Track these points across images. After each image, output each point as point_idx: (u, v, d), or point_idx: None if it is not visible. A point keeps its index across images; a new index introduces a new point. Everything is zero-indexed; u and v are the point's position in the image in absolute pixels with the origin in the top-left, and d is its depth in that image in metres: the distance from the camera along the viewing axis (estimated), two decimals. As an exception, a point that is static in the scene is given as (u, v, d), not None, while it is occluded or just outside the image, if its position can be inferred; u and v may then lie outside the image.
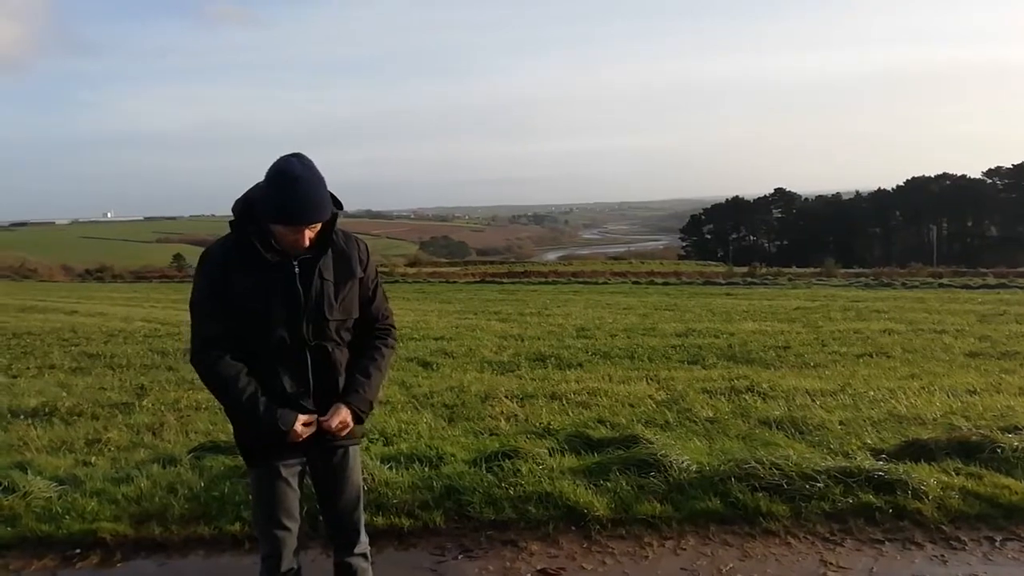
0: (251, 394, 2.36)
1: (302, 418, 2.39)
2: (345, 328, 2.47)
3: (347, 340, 2.49)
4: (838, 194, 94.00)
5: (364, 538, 2.66)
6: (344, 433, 2.46)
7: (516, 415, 5.80)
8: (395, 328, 2.64)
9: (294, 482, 2.52)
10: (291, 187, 2.25)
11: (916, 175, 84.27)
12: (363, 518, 2.67)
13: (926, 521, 3.69)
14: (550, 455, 4.48)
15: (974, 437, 4.55)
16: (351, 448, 2.57)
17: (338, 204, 2.41)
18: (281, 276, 2.35)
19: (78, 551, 3.59)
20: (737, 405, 6.02)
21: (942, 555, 3.44)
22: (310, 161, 2.31)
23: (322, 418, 2.42)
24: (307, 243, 2.33)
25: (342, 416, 2.42)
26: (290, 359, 2.39)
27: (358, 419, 2.47)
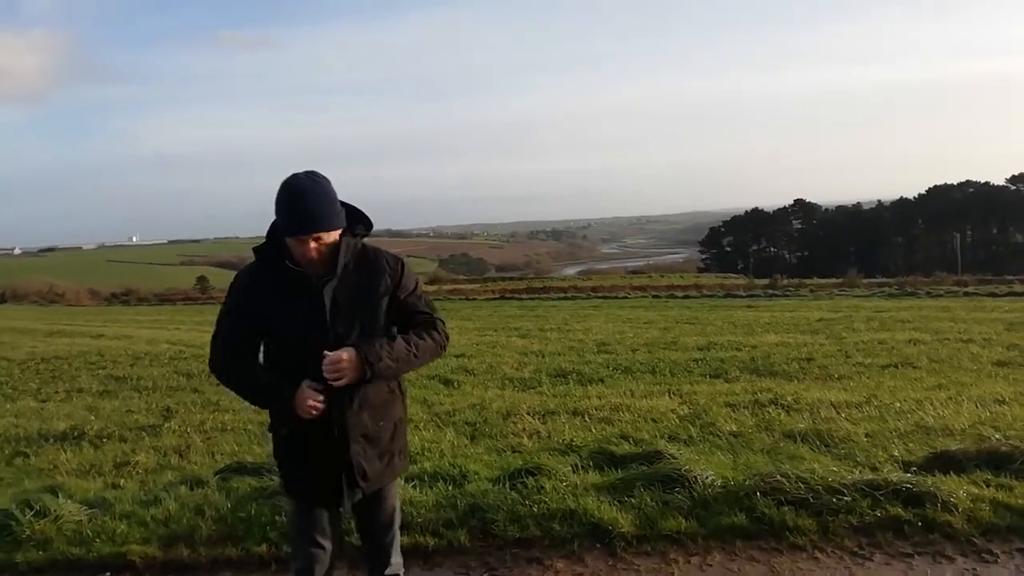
0: (258, 370, 2.40)
1: (307, 384, 2.33)
2: None
3: None
4: (859, 204, 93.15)
5: (396, 559, 2.66)
6: (336, 375, 2.31)
7: (538, 432, 5.79)
8: (443, 323, 2.60)
9: (334, 515, 2.57)
10: (294, 198, 2.29)
11: (938, 183, 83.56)
12: (398, 541, 2.68)
13: (956, 534, 3.63)
14: (574, 472, 4.46)
15: (1004, 448, 4.47)
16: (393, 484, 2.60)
17: (366, 223, 2.46)
18: (303, 296, 2.37)
19: (108, 574, 3.63)
20: (761, 418, 5.97)
21: (974, 568, 3.38)
22: (320, 176, 2.36)
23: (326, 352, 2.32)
24: (314, 255, 2.33)
25: (343, 355, 2.31)
26: (313, 377, 2.39)
27: (363, 369, 2.33)
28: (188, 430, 6.50)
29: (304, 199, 2.29)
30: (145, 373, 10.53)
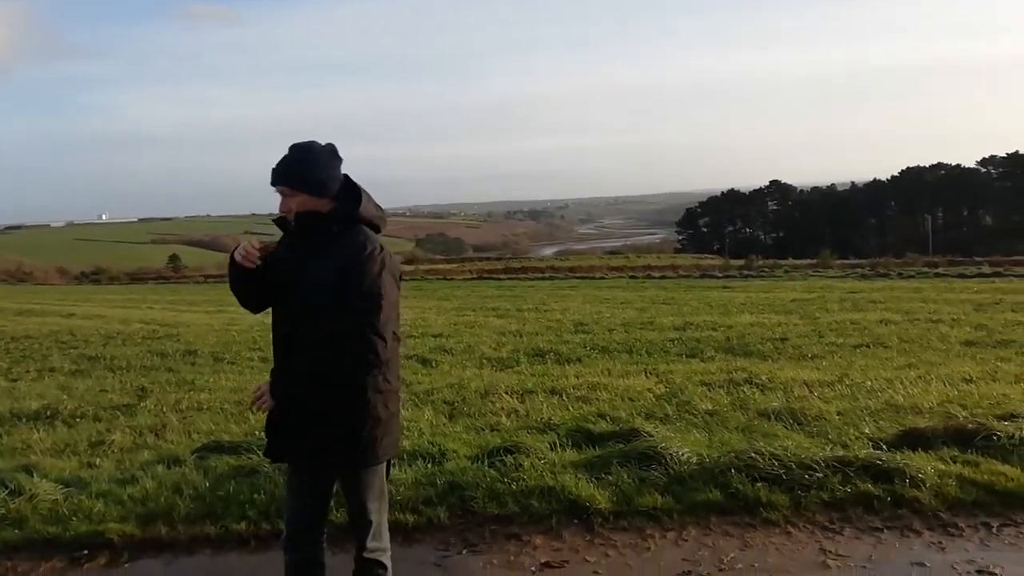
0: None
1: (246, 245, 2.48)
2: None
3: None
4: (833, 185, 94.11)
5: (375, 544, 2.60)
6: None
7: (517, 411, 5.84)
8: (373, 354, 2.34)
9: (317, 485, 2.59)
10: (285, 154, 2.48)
11: (911, 165, 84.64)
12: (383, 526, 2.63)
13: (924, 509, 3.74)
14: (551, 450, 4.52)
15: (970, 425, 4.60)
16: (369, 469, 2.56)
17: (351, 197, 2.47)
18: (288, 260, 2.48)
19: (85, 552, 3.62)
20: (736, 397, 6.07)
21: (940, 542, 3.49)
22: (320, 145, 2.48)
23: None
24: (285, 209, 2.47)
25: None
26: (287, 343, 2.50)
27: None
28: (164, 409, 6.45)
29: (285, 155, 2.46)
30: (118, 352, 10.41)
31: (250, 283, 2.54)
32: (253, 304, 2.63)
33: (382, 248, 2.47)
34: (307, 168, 2.42)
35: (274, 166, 2.46)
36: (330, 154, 2.48)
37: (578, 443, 4.70)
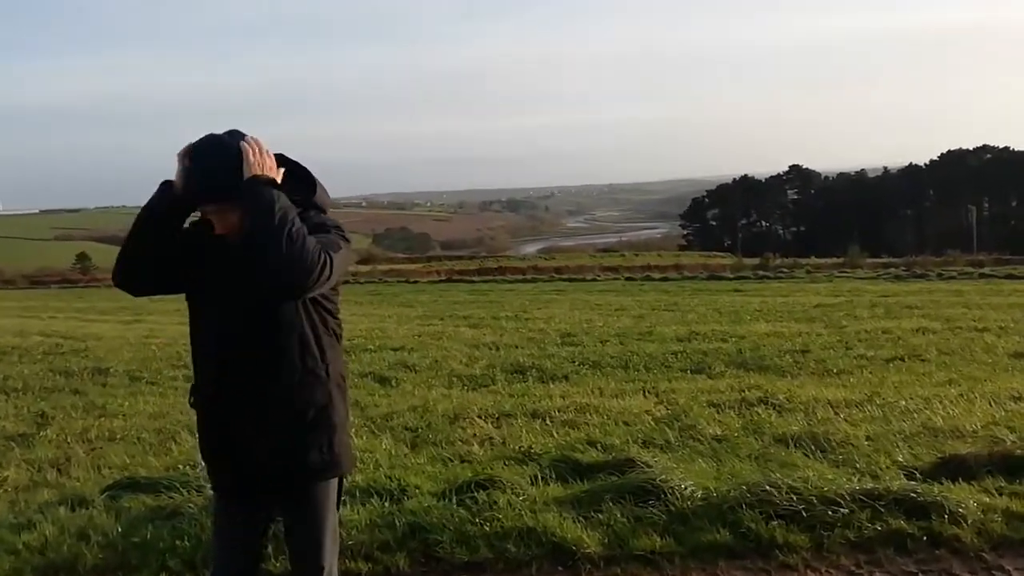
0: None
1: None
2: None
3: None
4: (863, 171, 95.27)
5: None
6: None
7: (491, 438, 5.84)
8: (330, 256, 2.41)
9: (253, 516, 2.61)
10: None
11: (952, 148, 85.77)
12: (335, 566, 2.67)
13: (965, 548, 3.79)
14: (532, 484, 4.53)
15: (1019, 451, 4.68)
16: (322, 484, 2.60)
17: (303, 183, 2.56)
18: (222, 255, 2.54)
19: (-29, 612, 3.56)
20: (749, 420, 6.12)
21: (984, 587, 3.54)
22: (236, 135, 2.47)
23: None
24: (226, 229, 2.47)
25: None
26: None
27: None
28: (68, 440, 6.38)
29: (202, 162, 2.42)
30: (13, 371, 10.25)
31: (169, 239, 2.47)
32: (149, 276, 2.53)
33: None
34: (235, 171, 2.39)
35: (192, 179, 2.39)
36: (242, 139, 2.45)
37: (563, 476, 4.70)
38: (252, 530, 2.63)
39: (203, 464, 2.63)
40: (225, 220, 2.43)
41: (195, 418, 2.63)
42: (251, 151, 2.39)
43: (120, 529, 4.11)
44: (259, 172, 2.37)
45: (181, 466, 5.16)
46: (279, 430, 2.49)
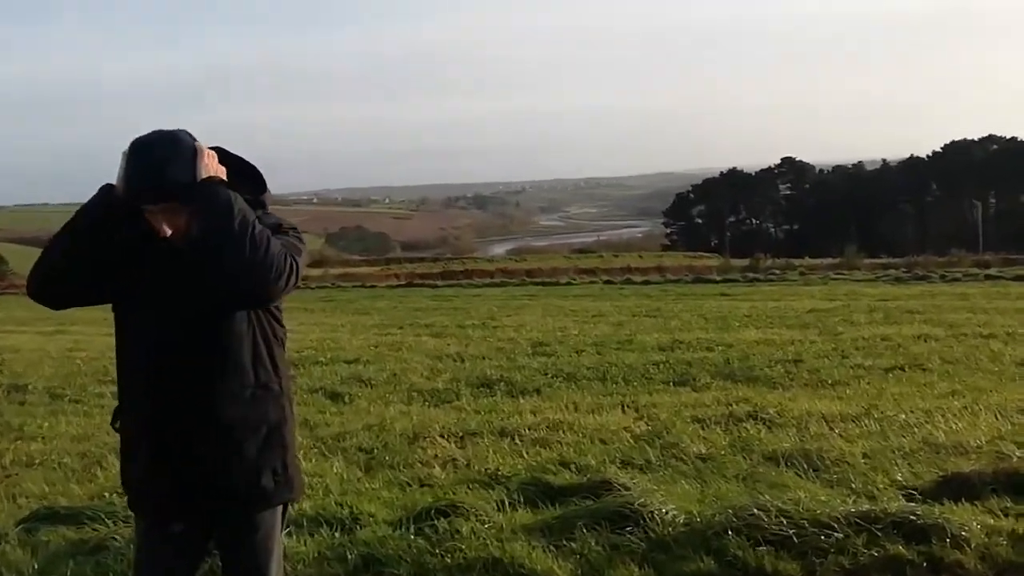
0: None
1: None
2: None
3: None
4: (860, 164, 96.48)
5: None
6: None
7: (454, 459, 5.84)
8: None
9: (188, 544, 2.57)
10: None
11: (956, 139, 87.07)
12: None
13: (968, 574, 3.84)
14: (499, 510, 4.53)
15: (1026, 468, 4.74)
16: (270, 511, 2.59)
17: (251, 181, 2.59)
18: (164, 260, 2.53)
19: None
20: (736, 437, 6.17)
21: (988, 617, 3.59)
22: (181, 133, 2.45)
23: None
24: (173, 230, 2.47)
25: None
26: None
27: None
28: (-22, 466, 6.27)
29: (149, 159, 2.41)
30: (-83, 389, 10.05)
31: (105, 244, 2.42)
32: (76, 286, 2.47)
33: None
34: (191, 168, 2.37)
35: (139, 175, 2.37)
36: (194, 141, 2.45)
37: (533, 500, 4.71)
38: (184, 564, 2.59)
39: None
40: (173, 221, 2.41)
41: (120, 442, 2.59)
42: (204, 151, 2.40)
43: (37, 566, 4.06)
44: (213, 173, 2.38)
45: (107, 494, 5.10)
46: (228, 451, 2.46)
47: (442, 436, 6.43)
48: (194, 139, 2.42)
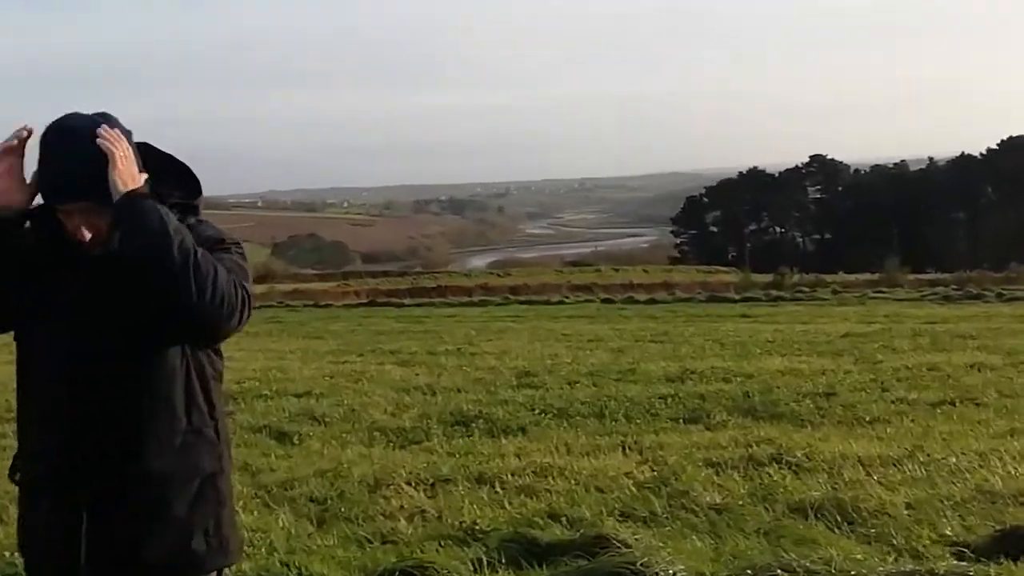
0: None
1: None
2: None
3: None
4: (903, 163, 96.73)
5: None
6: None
7: (423, 511, 5.82)
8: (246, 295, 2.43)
9: None
10: None
11: (1015, 134, 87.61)
12: None
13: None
14: (475, 571, 4.52)
15: (1097, 520, 4.76)
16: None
17: (183, 180, 2.55)
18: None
19: None
20: (757, 484, 6.19)
21: None
22: (103, 117, 2.42)
23: None
24: (91, 233, 2.39)
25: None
26: None
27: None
28: None
29: (61, 153, 2.38)
30: None
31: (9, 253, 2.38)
32: None
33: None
34: (102, 163, 2.34)
35: (53, 173, 2.36)
36: (118, 128, 2.43)
37: (517, 560, 4.70)
38: None
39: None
40: (91, 224, 2.35)
41: (18, 495, 2.55)
42: (115, 148, 2.32)
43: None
44: (129, 179, 2.31)
45: (8, 553, 5.04)
46: (153, 509, 2.41)
47: (409, 483, 6.40)
48: (117, 125, 2.40)
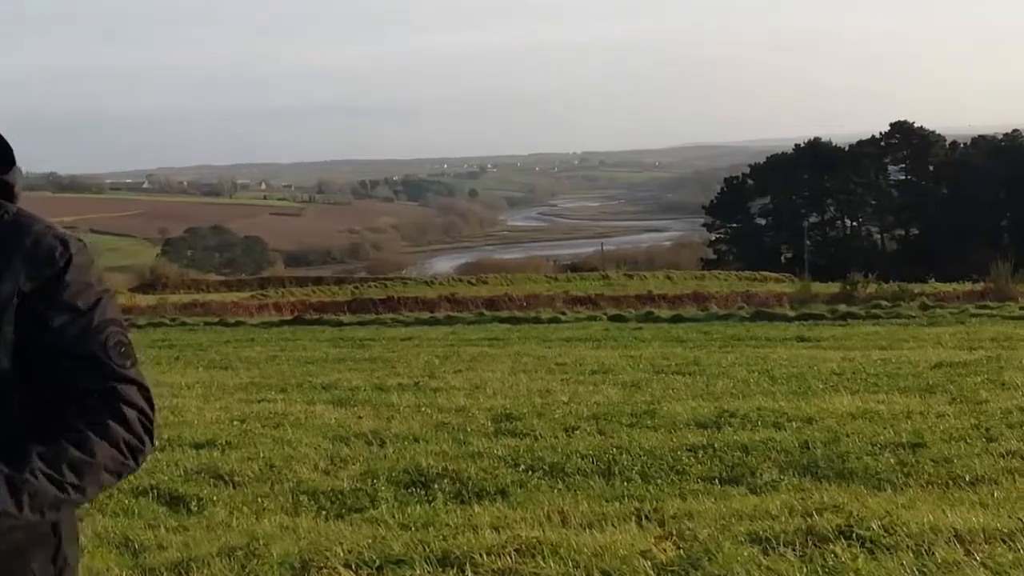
0: None
1: None
2: None
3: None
4: (1017, 132, 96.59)
5: None
6: None
7: (367, 604, 5.82)
8: (141, 397, 2.64)
9: None
10: None
11: None
12: None
13: None
14: None
15: None
16: None
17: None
18: None
19: None
20: (819, 566, 6.18)
21: None
22: None
23: None
24: None
25: None
26: None
27: None
28: None
29: None
30: None
31: None
32: None
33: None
34: None
35: None
36: None
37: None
38: None
39: None
40: None
41: None
42: None
43: None
44: None
45: None
46: None
47: (347, 566, 6.42)
48: None
